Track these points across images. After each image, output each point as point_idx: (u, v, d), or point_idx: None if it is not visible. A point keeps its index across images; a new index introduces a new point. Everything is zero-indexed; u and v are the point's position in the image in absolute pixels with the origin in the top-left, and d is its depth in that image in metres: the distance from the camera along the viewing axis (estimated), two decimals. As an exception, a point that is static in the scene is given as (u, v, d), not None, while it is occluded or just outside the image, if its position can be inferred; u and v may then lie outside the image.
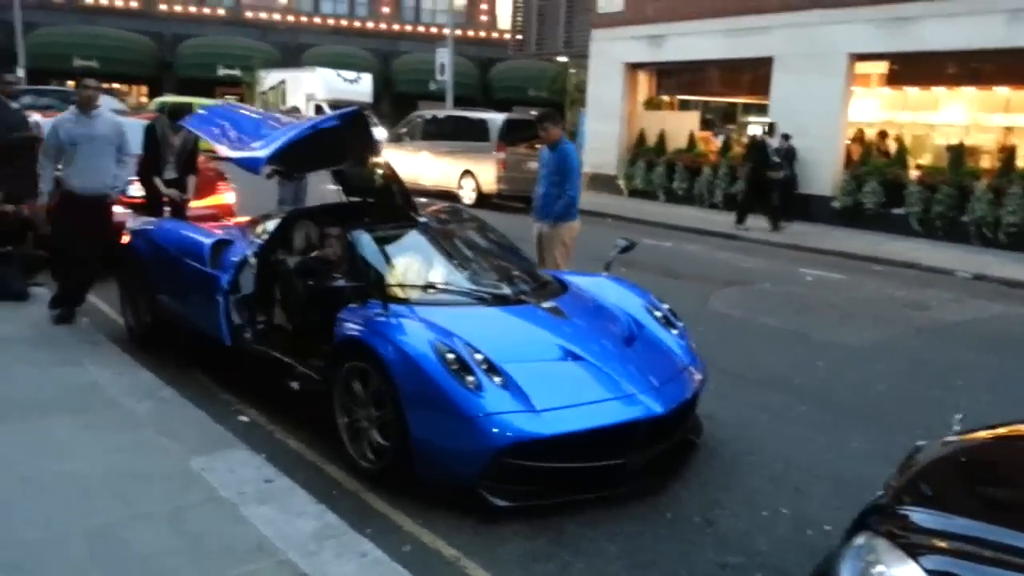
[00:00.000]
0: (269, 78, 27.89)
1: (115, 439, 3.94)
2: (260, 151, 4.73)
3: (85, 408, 4.30)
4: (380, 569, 2.97)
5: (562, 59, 24.24)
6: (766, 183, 13.47)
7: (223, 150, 5.10)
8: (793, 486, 3.99)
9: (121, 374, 4.86)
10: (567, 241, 6.52)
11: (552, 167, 6.37)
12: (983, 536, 2.01)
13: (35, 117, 8.71)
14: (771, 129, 14.57)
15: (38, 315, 5.97)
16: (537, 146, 15.75)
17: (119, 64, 30.01)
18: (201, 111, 6.34)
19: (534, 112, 11.97)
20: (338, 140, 5.07)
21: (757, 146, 13.79)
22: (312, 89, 25.63)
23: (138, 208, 7.36)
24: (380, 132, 24.58)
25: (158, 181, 7.27)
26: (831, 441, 4.55)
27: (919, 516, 2.21)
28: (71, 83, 33.64)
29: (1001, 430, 2.73)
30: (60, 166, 5.79)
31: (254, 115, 5.95)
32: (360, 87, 26.88)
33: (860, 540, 2.18)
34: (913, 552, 2.01)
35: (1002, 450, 2.64)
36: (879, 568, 2.04)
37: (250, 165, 4.79)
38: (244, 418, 4.55)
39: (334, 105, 24.02)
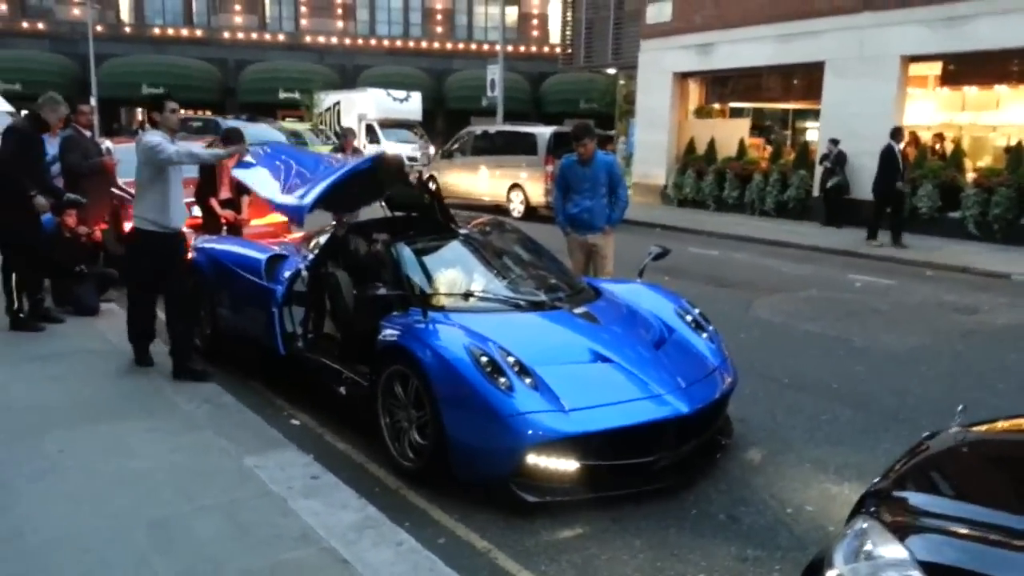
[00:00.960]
0: (326, 100, 28.77)
1: (177, 440, 4.26)
2: (304, 199, 5.03)
3: (150, 413, 4.65)
4: (414, 557, 3.18)
5: (611, 71, 24.35)
6: (896, 195, 12.45)
7: (273, 194, 5.44)
8: (819, 485, 4.06)
9: (183, 382, 5.20)
10: (613, 246, 6.69)
11: (596, 179, 6.42)
12: (974, 518, 2.07)
13: (107, 143, 9.34)
14: (836, 142, 14.35)
15: (107, 328, 6.41)
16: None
17: (185, 91, 31.27)
18: (261, 151, 6.44)
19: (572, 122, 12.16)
20: (374, 179, 5.38)
21: (886, 155, 12.43)
22: (364, 109, 26.33)
23: (196, 229, 7.82)
24: (429, 148, 25.18)
25: (214, 202, 7.71)
26: (862, 443, 4.59)
27: (913, 499, 2.31)
28: (140, 110, 35.38)
29: (1006, 423, 2.80)
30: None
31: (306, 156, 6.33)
32: (410, 106, 27.49)
33: (856, 523, 2.29)
34: (902, 533, 2.10)
35: (1005, 440, 2.71)
36: (867, 548, 2.14)
37: (294, 213, 5.20)
38: (295, 421, 4.83)
39: (385, 124, 24.67)
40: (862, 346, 6.74)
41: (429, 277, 4.78)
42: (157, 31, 32.68)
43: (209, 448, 4.18)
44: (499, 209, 15.33)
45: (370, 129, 24.97)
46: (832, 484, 4.06)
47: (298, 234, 6.96)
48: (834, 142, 14.24)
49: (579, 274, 6.04)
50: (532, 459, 3.67)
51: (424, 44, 35.25)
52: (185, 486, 3.73)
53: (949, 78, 14.98)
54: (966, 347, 6.81)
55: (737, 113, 19.09)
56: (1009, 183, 12.47)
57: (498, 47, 23.41)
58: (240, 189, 7.91)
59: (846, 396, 5.40)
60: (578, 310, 4.64)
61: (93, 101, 24.86)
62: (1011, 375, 5.97)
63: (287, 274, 5.41)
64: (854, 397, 5.40)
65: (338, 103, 27.97)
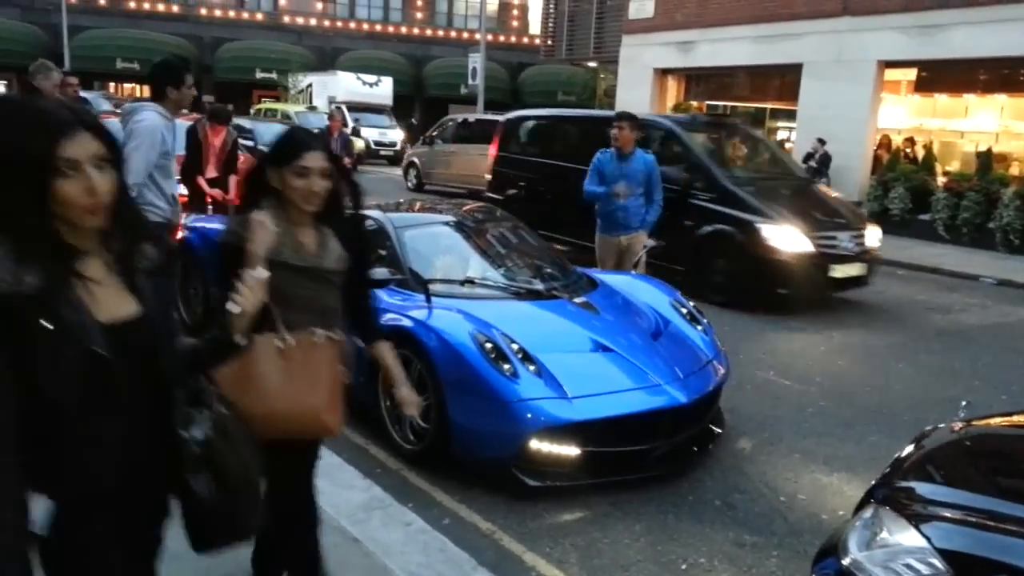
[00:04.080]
0: (302, 82, 28.60)
1: (175, 418, 4.25)
2: None
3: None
4: (424, 537, 3.23)
5: (592, 64, 24.46)
6: None
7: None
8: (810, 475, 4.20)
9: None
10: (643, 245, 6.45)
11: (634, 178, 6.06)
12: (982, 507, 2.17)
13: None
14: (822, 142, 14.59)
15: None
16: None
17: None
18: None
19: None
20: None
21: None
22: (334, 92, 26.20)
23: (184, 206, 7.74)
24: (397, 133, 25.09)
25: (201, 180, 7.64)
26: (848, 435, 4.74)
27: (922, 489, 2.42)
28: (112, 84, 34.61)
29: (1007, 419, 2.94)
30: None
31: None
32: (380, 90, 27.39)
33: (868, 511, 2.39)
34: (914, 520, 2.21)
35: (1006, 435, 2.84)
36: (883, 535, 2.24)
37: None
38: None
39: (353, 107, 24.51)
40: (842, 341, 6.93)
41: (430, 262, 4.82)
42: (132, 4, 31.93)
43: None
44: (479, 195, 15.35)
45: (339, 110, 24.86)
46: (822, 475, 4.20)
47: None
48: (821, 141, 14.48)
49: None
50: (535, 444, 3.73)
51: (404, 29, 35.00)
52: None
53: (922, 84, 15.35)
54: (941, 345, 7.03)
55: (714, 111, 19.32)
56: (977, 188, 12.82)
57: (478, 35, 23.36)
58: (228, 168, 7.85)
59: (830, 390, 5.56)
60: (577, 299, 4.71)
61: (64, 73, 24.25)
62: (985, 373, 6.19)
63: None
64: (837, 390, 5.56)
65: (311, 85, 27.81)
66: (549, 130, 11.01)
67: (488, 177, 11.22)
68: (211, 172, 7.75)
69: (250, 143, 13.11)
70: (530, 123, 11.38)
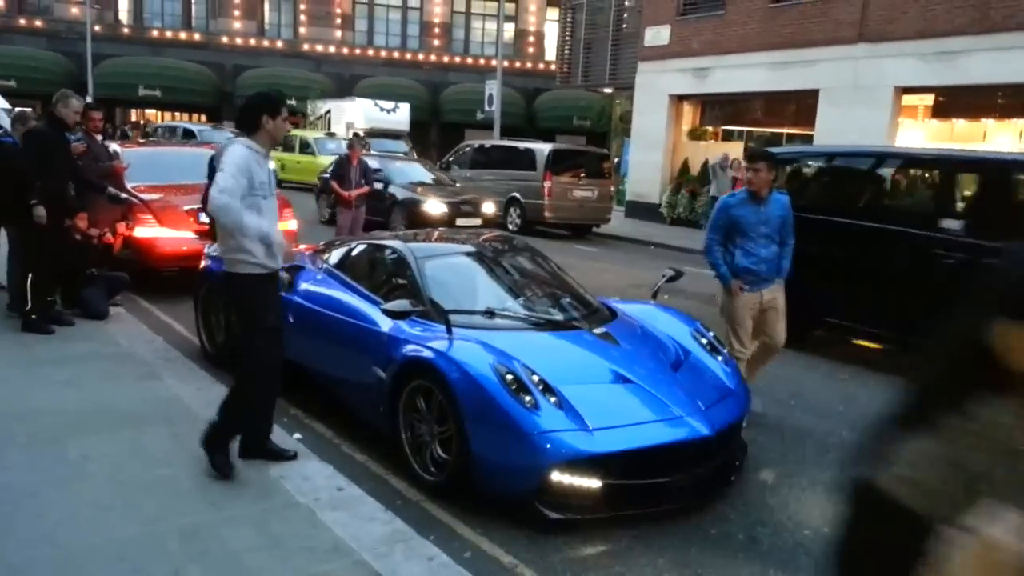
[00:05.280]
0: (320, 108, 28.99)
1: (200, 449, 4.27)
2: None
3: (170, 420, 4.67)
4: (447, 572, 3.22)
5: (607, 90, 24.62)
6: None
7: None
8: (834, 507, 4.14)
9: (200, 389, 5.23)
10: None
11: (772, 223, 5.28)
12: None
13: (114, 146, 9.36)
14: None
15: (118, 332, 6.42)
16: (582, 175, 16.41)
17: (181, 94, 31.35)
18: None
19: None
20: None
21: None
22: (352, 118, 26.53)
23: (203, 236, 7.84)
24: (412, 159, 25.31)
25: None
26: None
27: None
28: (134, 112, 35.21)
29: None
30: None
31: None
32: (397, 116, 27.69)
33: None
34: None
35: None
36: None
37: None
38: (312, 432, 4.87)
39: (372, 133, 24.80)
40: (864, 370, 6.87)
41: (449, 292, 4.85)
42: (155, 33, 32.61)
43: (232, 457, 4.20)
44: (496, 223, 15.45)
45: (357, 136, 25.18)
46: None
47: (306, 245, 6.99)
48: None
49: (749, 335, 5.39)
50: (556, 476, 3.73)
51: (421, 56, 35.44)
52: (212, 495, 3.76)
53: (939, 110, 15.33)
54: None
55: (730, 136, 19.39)
56: (998, 214, 12.72)
57: (495, 62, 23.59)
58: None
59: (852, 419, 5.52)
60: (597, 330, 4.73)
61: (89, 99, 24.75)
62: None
63: (303, 285, 5.46)
64: (860, 420, 5.50)
65: (329, 111, 28.20)
66: (852, 176, 8.20)
67: None
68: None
69: (379, 185, 13.41)
70: (817, 164, 8.50)
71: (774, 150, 8.10)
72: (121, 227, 7.60)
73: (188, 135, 22.06)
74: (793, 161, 8.46)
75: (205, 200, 7.66)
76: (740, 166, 15.31)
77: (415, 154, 25.74)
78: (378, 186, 13.52)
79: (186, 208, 8.29)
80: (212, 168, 7.70)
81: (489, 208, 14.47)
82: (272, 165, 4.77)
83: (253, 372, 4.08)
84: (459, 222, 13.45)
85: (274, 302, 4.10)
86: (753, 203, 5.25)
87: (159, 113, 35.40)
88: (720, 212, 5.36)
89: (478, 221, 13.87)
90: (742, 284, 5.30)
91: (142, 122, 33.32)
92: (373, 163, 14.39)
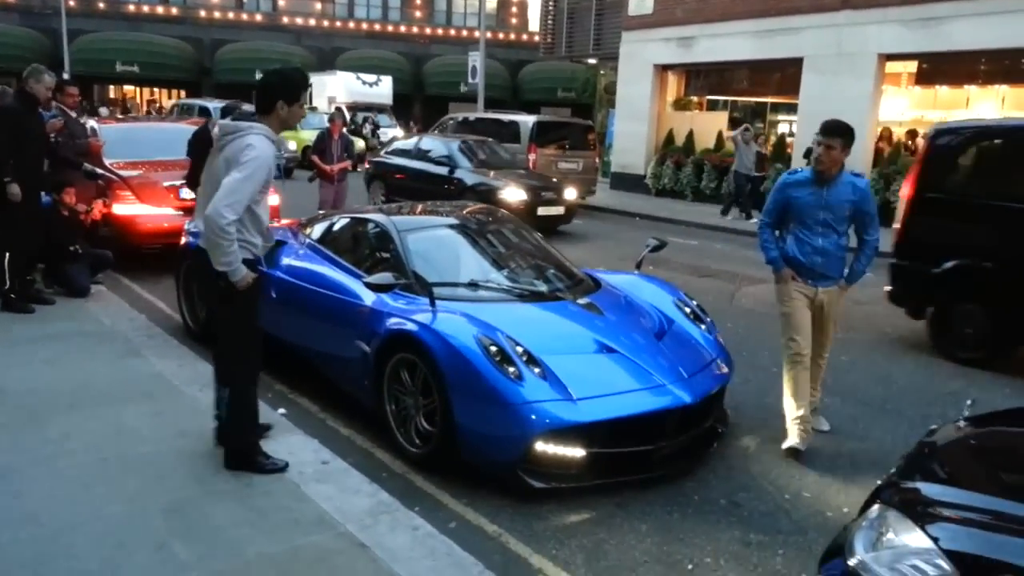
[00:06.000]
0: (301, 82, 28.68)
1: (182, 425, 4.27)
2: None
3: (153, 396, 4.65)
4: (432, 542, 3.24)
5: (591, 61, 24.44)
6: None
7: None
8: (814, 472, 4.21)
9: (182, 365, 5.20)
10: (844, 305, 4.77)
11: (838, 209, 4.40)
12: (988, 507, 2.18)
13: (92, 123, 9.22)
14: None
15: (100, 311, 6.37)
16: (567, 147, 16.31)
17: (159, 69, 30.87)
18: None
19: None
20: None
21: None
22: (334, 92, 26.26)
23: (189, 212, 7.75)
24: (397, 132, 25.17)
25: None
26: (852, 431, 4.75)
27: (928, 489, 2.42)
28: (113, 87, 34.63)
29: (1007, 415, 2.95)
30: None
31: None
32: (380, 90, 27.45)
33: (873, 512, 2.39)
34: (920, 520, 2.21)
35: (1011, 432, 2.84)
36: (889, 536, 2.25)
37: None
38: (296, 407, 4.87)
39: (354, 107, 24.56)
40: (845, 336, 6.91)
41: (433, 265, 4.83)
42: (132, 7, 32.03)
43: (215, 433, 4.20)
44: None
45: (339, 111, 25.00)
46: (826, 471, 4.21)
47: (288, 220, 6.93)
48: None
49: (807, 333, 4.52)
50: (540, 446, 3.75)
51: (403, 28, 35.02)
52: (195, 471, 3.75)
53: (923, 76, 15.34)
54: (944, 340, 7.02)
55: (715, 106, 19.33)
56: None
57: (477, 33, 23.33)
58: None
59: (833, 385, 5.55)
60: (580, 301, 4.73)
61: (66, 75, 24.33)
62: (988, 366, 6.18)
63: (286, 260, 5.42)
64: (841, 386, 5.56)
65: (311, 85, 27.87)
66: None
67: (897, 235, 6.81)
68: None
69: (442, 170, 12.56)
70: (996, 143, 6.80)
71: (951, 124, 7.13)
72: (98, 204, 7.50)
73: (204, 113, 21.58)
74: (971, 139, 6.81)
75: (189, 178, 7.64)
76: (762, 139, 15.18)
77: (397, 127, 25.61)
78: (440, 170, 12.68)
79: (166, 184, 8.19)
80: (193, 145, 7.62)
81: (571, 194, 12.69)
82: (293, 146, 4.57)
83: (244, 362, 3.80)
84: (540, 212, 12.00)
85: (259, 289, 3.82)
86: (816, 184, 4.40)
87: (138, 89, 34.88)
88: (776, 191, 4.58)
89: (560, 210, 12.42)
90: (793, 273, 4.51)
91: (123, 98, 32.84)
92: (436, 145, 13.48)
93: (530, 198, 11.97)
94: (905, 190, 6.82)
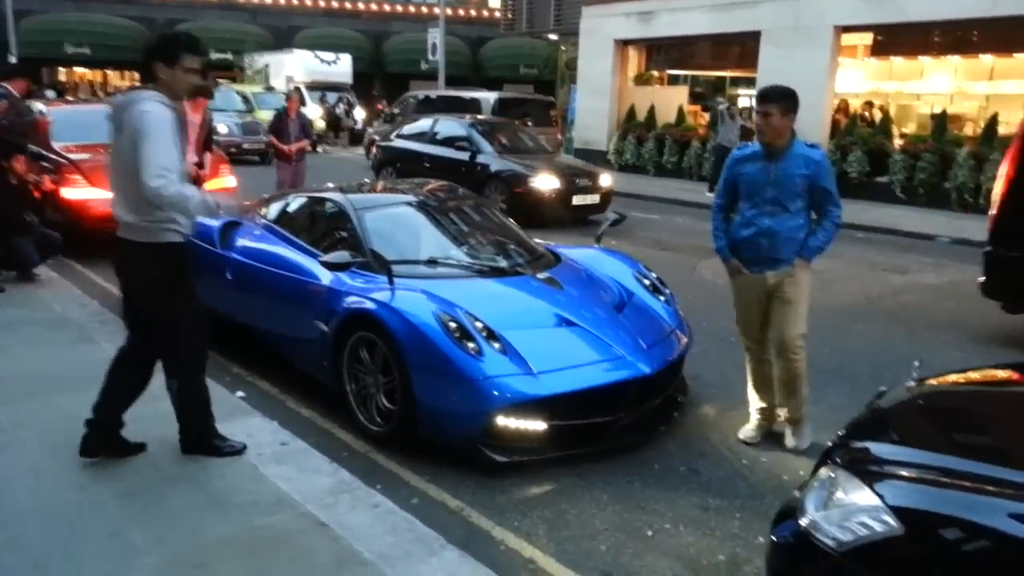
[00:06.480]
0: (258, 62, 28.13)
1: (136, 411, 4.18)
2: None
3: (107, 383, 4.55)
4: (392, 519, 3.24)
5: (553, 37, 24.31)
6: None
7: None
8: (772, 438, 4.28)
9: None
10: (808, 284, 4.18)
11: (788, 185, 3.97)
12: (936, 464, 2.21)
13: (39, 106, 8.98)
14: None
15: (52, 298, 6.21)
16: (529, 123, 16.24)
17: (111, 51, 30.03)
18: None
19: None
20: None
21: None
22: (292, 71, 25.82)
23: None
24: (359, 113, 24.86)
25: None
26: (808, 396, 4.81)
27: (877, 448, 2.47)
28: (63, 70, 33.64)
29: (958, 376, 3.02)
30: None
31: None
32: (339, 68, 27.04)
33: (824, 473, 2.44)
34: (869, 479, 2.26)
35: (959, 392, 2.91)
36: (838, 495, 2.29)
37: None
38: (255, 389, 4.81)
39: (313, 86, 24.15)
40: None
41: (391, 243, 4.79)
42: (79, -14, 31.02)
43: (171, 418, 4.11)
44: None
45: (297, 91, 24.61)
46: (782, 436, 4.28)
47: (247, 202, 6.81)
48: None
49: (752, 327, 4.28)
50: (501, 421, 3.76)
51: (361, 5, 34.45)
52: (150, 456, 3.69)
53: (878, 48, 15.51)
54: (898, 305, 7.18)
55: (675, 80, 19.37)
56: (933, 149, 13.05)
57: (437, 10, 23.04)
58: (206, 145, 7.84)
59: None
60: (540, 275, 4.73)
61: (13, 59, 23.56)
62: (942, 331, 6.33)
63: (241, 241, 5.33)
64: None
65: (267, 65, 27.39)
66: None
67: (992, 220, 6.19)
68: (191, 156, 7.66)
69: (463, 155, 11.52)
70: None
71: None
72: (46, 180, 7.29)
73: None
74: None
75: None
76: (747, 112, 14.26)
77: (362, 108, 25.26)
78: (461, 155, 11.71)
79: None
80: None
81: (606, 181, 11.75)
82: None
83: (194, 351, 3.63)
84: (576, 201, 11.15)
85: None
86: (766, 158, 4.00)
87: (89, 72, 33.92)
88: (726, 169, 4.22)
89: (595, 199, 11.43)
90: (740, 265, 4.17)
91: (79, 82, 31.91)
92: (455, 127, 12.45)
93: (564, 186, 10.92)
94: (1004, 168, 5.99)
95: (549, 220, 10.34)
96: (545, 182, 10.81)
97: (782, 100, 3.92)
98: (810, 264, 4.11)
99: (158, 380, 3.74)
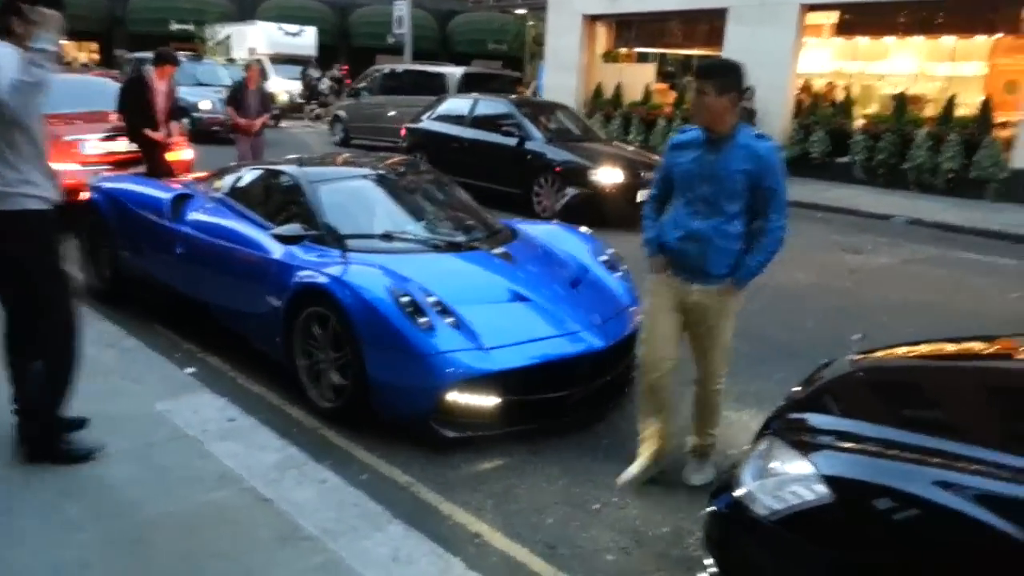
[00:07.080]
0: (220, 33, 27.50)
1: (82, 386, 4.09)
2: None
3: (51, 358, 4.44)
4: (338, 494, 3.22)
5: (521, 11, 24.08)
6: None
7: None
8: (721, 414, 4.30)
9: (87, 324, 4.96)
10: (736, 310, 3.56)
11: (725, 180, 3.28)
12: (872, 435, 2.24)
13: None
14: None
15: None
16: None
17: (67, 20, 29.03)
18: None
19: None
20: None
21: None
22: (254, 43, 25.31)
23: (130, 165, 7.57)
24: (324, 84, 24.43)
25: (150, 132, 7.60)
26: (759, 372, 4.89)
27: (815, 419, 2.51)
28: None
29: (897, 350, 3.06)
30: None
31: None
32: (303, 40, 26.56)
33: (761, 444, 2.47)
34: (804, 449, 2.28)
35: (898, 366, 2.95)
36: (774, 465, 2.32)
37: None
38: (206, 365, 4.73)
39: (276, 59, 23.69)
40: (756, 283, 7.01)
41: (346, 217, 4.72)
42: (30, -48, 29.94)
43: (117, 394, 4.05)
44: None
45: (259, 63, 24.12)
46: (732, 411, 4.34)
47: (200, 173, 6.66)
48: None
49: (666, 343, 3.53)
50: (452, 396, 3.75)
51: (326, -24, 33.74)
52: (93, 433, 3.61)
53: (843, 27, 15.58)
54: (853, 284, 7.28)
55: (643, 58, 19.32)
56: (893, 130, 13.21)
57: (404, -18, 22.66)
58: (173, 113, 7.84)
59: (742, 331, 5.55)
60: (496, 251, 4.70)
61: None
62: (893, 309, 6.44)
63: (192, 215, 5.22)
64: (750, 332, 5.61)
65: (229, 37, 26.78)
66: None
67: None
68: (160, 128, 7.70)
69: (510, 140, 10.29)
70: None
71: None
72: None
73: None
74: None
75: (130, 127, 7.41)
76: (750, 93, 12.43)
77: (328, 80, 24.81)
78: (508, 141, 10.41)
79: (68, 139, 7.78)
80: (125, 95, 7.71)
81: None
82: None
83: (70, 323, 3.39)
84: (640, 198, 8.88)
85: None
86: (706, 147, 3.31)
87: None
88: (664, 155, 3.58)
89: None
90: (666, 263, 3.48)
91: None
92: (499, 108, 11.15)
93: (628, 180, 9.34)
94: None
95: (611, 219, 8.62)
96: (608, 175, 9.35)
97: (720, 75, 3.27)
98: (740, 290, 3.44)
99: (109, 355, 3.65)
